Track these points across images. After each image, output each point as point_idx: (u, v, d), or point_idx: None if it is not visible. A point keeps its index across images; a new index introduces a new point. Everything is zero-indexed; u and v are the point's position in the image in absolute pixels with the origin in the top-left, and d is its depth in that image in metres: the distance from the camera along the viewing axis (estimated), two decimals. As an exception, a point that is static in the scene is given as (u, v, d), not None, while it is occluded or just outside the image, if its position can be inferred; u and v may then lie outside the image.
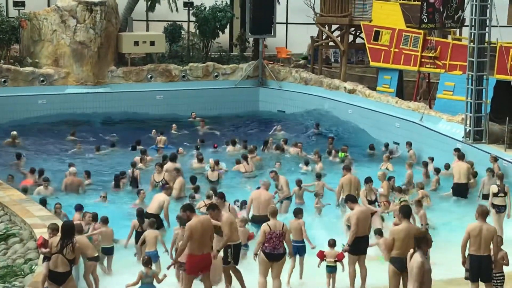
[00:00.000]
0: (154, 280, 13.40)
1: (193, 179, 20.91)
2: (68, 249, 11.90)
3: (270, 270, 13.42)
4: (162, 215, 17.13)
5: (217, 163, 22.39)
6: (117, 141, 26.85)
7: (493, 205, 17.97)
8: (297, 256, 14.69)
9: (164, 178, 20.64)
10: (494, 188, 18.24)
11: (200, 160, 23.11)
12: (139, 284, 13.34)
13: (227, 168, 22.94)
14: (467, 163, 21.02)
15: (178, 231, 14.63)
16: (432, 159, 23.00)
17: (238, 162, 23.24)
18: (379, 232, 15.63)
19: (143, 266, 13.46)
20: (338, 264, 14.32)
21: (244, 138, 26.75)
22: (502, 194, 18.13)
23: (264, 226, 13.33)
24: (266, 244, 13.20)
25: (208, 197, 17.58)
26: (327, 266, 14.38)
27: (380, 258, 15.30)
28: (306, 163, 23.42)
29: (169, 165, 21.34)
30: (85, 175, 21.87)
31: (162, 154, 23.45)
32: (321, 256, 14.46)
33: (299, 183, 19.61)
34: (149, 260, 13.56)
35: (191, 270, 12.76)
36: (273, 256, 13.23)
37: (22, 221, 16.10)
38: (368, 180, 18.46)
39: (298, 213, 15.02)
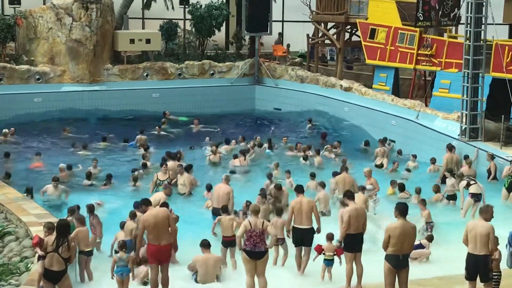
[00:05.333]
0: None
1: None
2: (64, 248, 11.89)
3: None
4: None
5: (217, 146, 24.29)
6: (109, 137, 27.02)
7: (472, 195, 18.78)
8: None
9: (169, 177, 20.71)
10: (463, 183, 19.13)
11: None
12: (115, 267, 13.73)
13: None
14: (467, 162, 21.18)
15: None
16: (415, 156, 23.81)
17: (235, 157, 23.57)
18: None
19: (118, 249, 13.80)
20: (335, 258, 14.58)
21: (239, 137, 26.74)
22: (474, 182, 18.94)
23: (245, 223, 13.31)
24: (246, 243, 13.14)
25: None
26: (325, 259, 14.65)
27: None
28: (305, 159, 23.69)
29: (171, 163, 21.39)
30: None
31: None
32: (319, 250, 14.71)
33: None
34: (124, 244, 13.85)
35: (150, 258, 13.31)
36: (254, 254, 13.12)
37: (17, 219, 16.12)
38: None
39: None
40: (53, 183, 19.63)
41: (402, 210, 12.41)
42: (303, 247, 15.00)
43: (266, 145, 25.37)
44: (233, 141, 25.72)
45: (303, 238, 14.92)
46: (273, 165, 22.85)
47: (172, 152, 22.58)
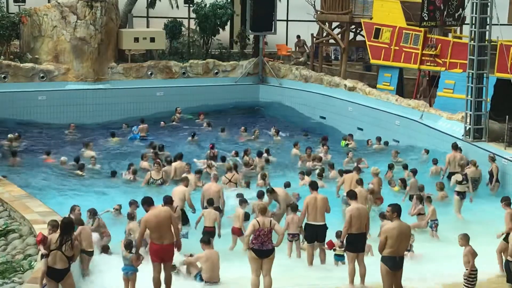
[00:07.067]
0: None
1: None
2: (67, 246, 11.90)
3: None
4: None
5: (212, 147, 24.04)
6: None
7: (457, 193, 19.54)
8: None
9: (162, 177, 20.69)
10: (458, 177, 19.80)
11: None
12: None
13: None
14: (472, 162, 21.23)
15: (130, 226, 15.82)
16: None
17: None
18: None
19: (124, 249, 13.75)
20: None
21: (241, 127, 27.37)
22: (465, 182, 19.70)
23: (254, 222, 13.28)
24: (254, 241, 13.12)
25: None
26: (335, 254, 15.06)
27: None
28: (308, 174, 21.55)
29: (178, 164, 21.36)
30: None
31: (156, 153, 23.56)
32: (331, 245, 15.08)
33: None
34: (129, 244, 13.82)
35: (152, 257, 13.32)
36: (261, 252, 13.11)
37: (21, 217, 16.11)
38: None
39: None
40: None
41: (398, 211, 12.34)
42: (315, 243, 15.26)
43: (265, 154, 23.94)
44: (229, 159, 23.22)
45: (317, 234, 15.15)
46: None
47: (178, 153, 22.62)
